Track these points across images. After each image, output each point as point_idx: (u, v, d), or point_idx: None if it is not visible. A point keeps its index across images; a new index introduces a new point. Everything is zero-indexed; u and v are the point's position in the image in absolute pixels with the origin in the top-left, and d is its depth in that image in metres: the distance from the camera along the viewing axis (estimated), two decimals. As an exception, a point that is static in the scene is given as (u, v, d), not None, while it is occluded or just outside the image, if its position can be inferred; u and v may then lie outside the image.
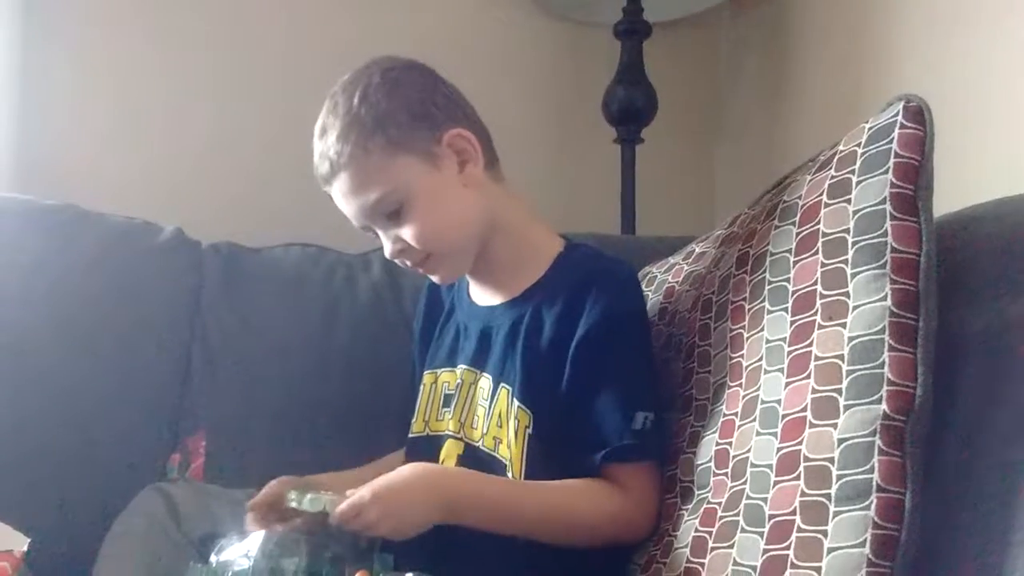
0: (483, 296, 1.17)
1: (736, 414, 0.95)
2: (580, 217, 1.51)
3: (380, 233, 1.09)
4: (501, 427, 1.07)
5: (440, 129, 1.06)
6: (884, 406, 0.80)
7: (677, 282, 1.18)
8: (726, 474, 0.93)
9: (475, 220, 1.09)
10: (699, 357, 1.05)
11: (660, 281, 1.21)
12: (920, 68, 1.38)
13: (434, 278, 1.14)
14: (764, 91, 1.83)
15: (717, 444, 0.96)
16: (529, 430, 1.04)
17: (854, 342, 0.83)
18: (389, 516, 0.95)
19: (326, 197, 1.13)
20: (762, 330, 0.94)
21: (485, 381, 1.11)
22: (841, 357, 0.83)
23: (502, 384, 1.08)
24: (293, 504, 0.96)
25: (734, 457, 0.93)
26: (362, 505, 0.94)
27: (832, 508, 0.79)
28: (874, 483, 0.78)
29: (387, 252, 1.10)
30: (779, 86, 1.78)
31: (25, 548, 1.00)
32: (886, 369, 0.80)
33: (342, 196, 1.07)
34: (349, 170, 1.04)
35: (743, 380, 0.95)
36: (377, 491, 0.95)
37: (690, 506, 0.97)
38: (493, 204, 1.11)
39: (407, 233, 1.06)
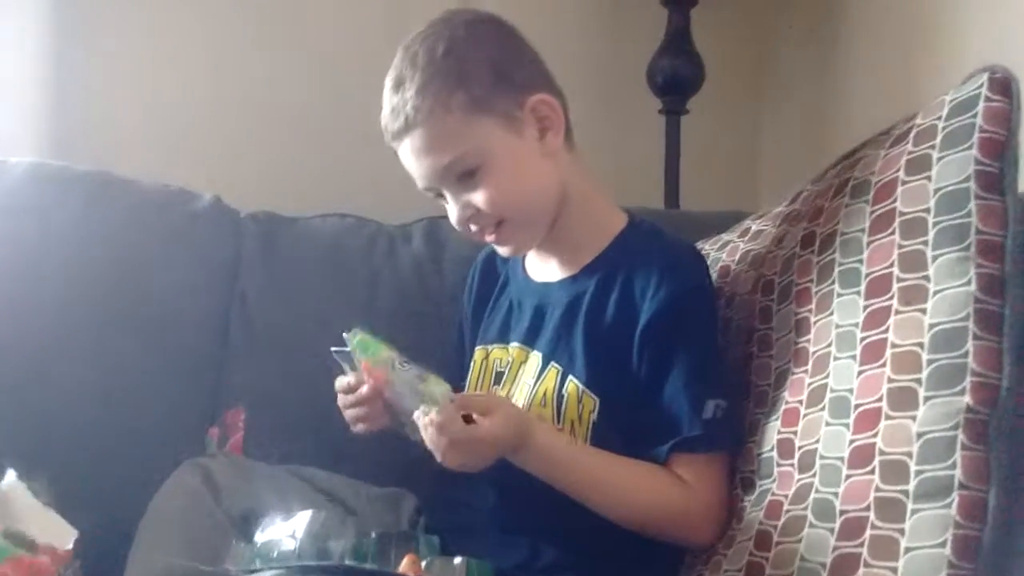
0: (539, 271, 1.12)
1: (801, 402, 0.91)
2: (623, 189, 1.45)
3: (448, 196, 1.04)
4: (545, 406, 1.03)
5: (524, 93, 1.01)
6: (967, 398, 0.76)
7: (733, 261, 1.14)
8: (792, 465, 0.90)
9: (552, 191, 1.05)
10: (759, 341, 1.01)
11: (714, 259, 1.17)
12: (988, 35, 1.30)
13: (502, 251, 1.09)
14: (813, 62, 1.77)
15: (780, 432, 0.93)
16: (594, 415, 1.01)
17: (935, 329, 0.79)
18: (475, 456, 0.94)
19: (364, 166, 1.08)
20: (831, 314, 0.90)
21: (534, 358, 1.07)
22: (920, 345, 0.80)
23: (553, 363, 1.05)
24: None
25: (800, 448, 0.89)
26: (472, 439, 0.92)
27: (910, 505, 0.76)
28: (956, 480, 0.75)
29: (453, 218, 1.05)
30: (829, 57, 1.72)
31: (70, 546, 0.94)
32: (970, 359, 0.77)
33: (412, 154, 1.01)
34: (425, 127, 0.99)
35: (809, 366, 0.92)
36: (495, 435, 0.93)
37: (753, 497, 0.94)
38: (566, 175, 1.06)
39: (480, 198, 1.01)
